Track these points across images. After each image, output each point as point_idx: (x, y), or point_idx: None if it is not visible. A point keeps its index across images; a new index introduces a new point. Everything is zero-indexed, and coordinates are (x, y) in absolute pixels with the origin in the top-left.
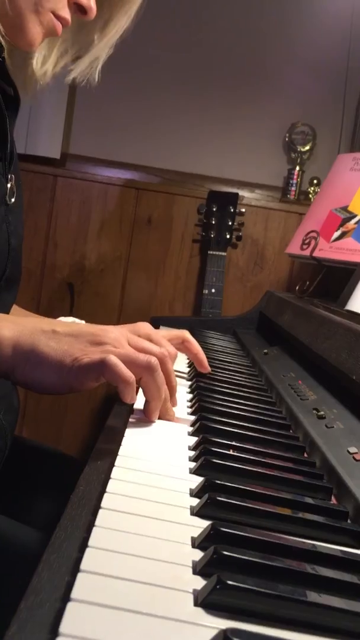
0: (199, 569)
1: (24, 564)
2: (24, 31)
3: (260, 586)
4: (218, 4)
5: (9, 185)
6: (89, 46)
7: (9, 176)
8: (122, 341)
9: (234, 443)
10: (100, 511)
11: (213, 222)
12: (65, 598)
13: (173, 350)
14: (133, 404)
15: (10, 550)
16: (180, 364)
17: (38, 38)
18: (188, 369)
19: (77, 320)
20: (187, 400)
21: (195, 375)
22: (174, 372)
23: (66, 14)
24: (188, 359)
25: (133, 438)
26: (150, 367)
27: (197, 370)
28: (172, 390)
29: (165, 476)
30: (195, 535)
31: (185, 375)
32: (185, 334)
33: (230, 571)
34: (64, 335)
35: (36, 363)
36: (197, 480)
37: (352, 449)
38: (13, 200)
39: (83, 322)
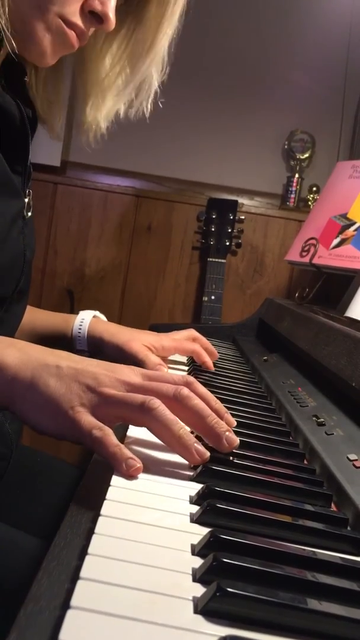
0: (199, 576)
1: (23, 571)
2: (32, 38)
3: (260, 593)
4: (218, 15)
5: (26, 200)
6: (140, 72)
7: (27, 191)
8: (126, 381)
9: (233, 450)
10: (100, 518)
11: (213, 229)
12: (65, 605)
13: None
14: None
15: (10, 557)
16: (182, 372)
17: (48, 47)
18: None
19: (98, 314)
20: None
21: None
22: (206, 391)
23: (77, 20)
24: (187, 362)
25: (133, 446)
26: (143, 408)
27: (196, 375)
28: (217, 410)
29: (164, 483)
30: (195, 542)
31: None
32: (193, 332)
33: (230, 578)
34: (66, 373)
35: (33, 402)
36: (197, 487)
37: (352, 456)
38: (29, 214)
39: (104, 317)
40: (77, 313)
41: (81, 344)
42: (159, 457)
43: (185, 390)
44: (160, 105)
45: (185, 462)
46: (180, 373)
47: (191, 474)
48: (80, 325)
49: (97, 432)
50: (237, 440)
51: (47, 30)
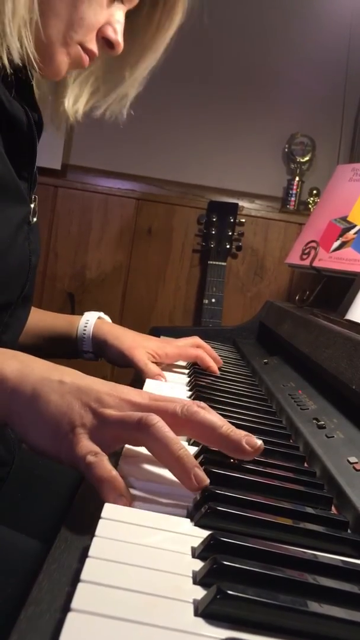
0: (199, 579)
1: (24, 574)
2: (52, 61)
3: (260, 596)
4: (218, 19)
5: (32, 205)
6: (119, 84)
7: (33, 197)
8: (131, 400)
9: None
10: (100, 521)
11: (213, 232)
12: (66, 608)
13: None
14: None
15: (10, 560)
16: (182, 375)
17: (64, 68)
18: (187, 379)
19: (102, 315)
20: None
21: (196, 385)
22: (210, 419)
23: (94, 47)
24: (187, 366)
25: (132, 449)
26: (140, 424)
27: (196, 378)
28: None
29: (165, 485)
30: (196, 545)
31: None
32: (197, 339)
33: (230, 581)
34: (69, 390)
35: (32, 418)
36: None
37: (352, 459)
38: (35, 220)
39: (109, 319)
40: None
41: (86, 345)
42: (157, 461)
43: (194, 407)
44: (132, 113)
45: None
46: (180, 376)
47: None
48: (85, 326)
49: (91, 458)
50: (259, 442)
51: (67, 56)
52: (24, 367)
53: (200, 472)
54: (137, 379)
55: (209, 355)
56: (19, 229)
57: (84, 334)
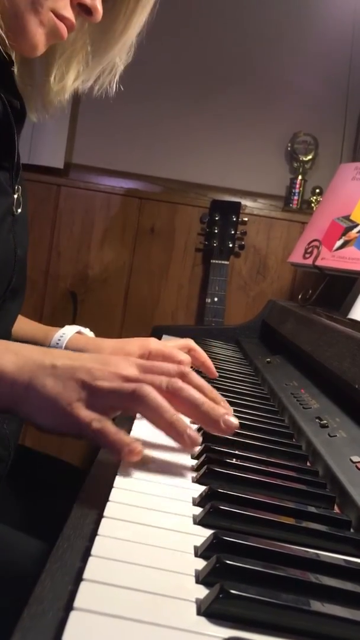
0: (202, 578)
1: (25, 573)
2: (25, 33)
3: (263, 595)
4: (220, 15)
5: (15, 196)
6: (107, 55)
7: (16, 187)
8: (121, 374)
9: (236, 452)
10: (103, 520)
11: (216, 231)
12: (68, 607)
13: (186, 358)
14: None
15: (12, 559)
16: None
17: (41, 40)
18: None
19: (82, 329)
20: None
21: None
22: (202, 380)
23: (68, 13)
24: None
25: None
26: (134, 396)
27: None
28: (213, 398)
29: (167, 485)
30: (198, 544)
31: None
32: (190, 342)
33: (233, 580)
34: (62, 372)
35: (33, 403)
36: (200, 489)
37: (355, 458)
38: (19, 211)
39: (92, 333)
40: (81, 315)
41: None
42: (162, 459)
43: (178, 383)
44: (122, 88)
45: (188, 464)
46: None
47: (194, 475)
48: (59, 339)
49: (96, 424)
50: (236, 422)
51: (40, 25)
52: (18, 358)
53: (193, 433)
54: None
55: (202, 361)
56: (2, 220)
57: (57, 346)
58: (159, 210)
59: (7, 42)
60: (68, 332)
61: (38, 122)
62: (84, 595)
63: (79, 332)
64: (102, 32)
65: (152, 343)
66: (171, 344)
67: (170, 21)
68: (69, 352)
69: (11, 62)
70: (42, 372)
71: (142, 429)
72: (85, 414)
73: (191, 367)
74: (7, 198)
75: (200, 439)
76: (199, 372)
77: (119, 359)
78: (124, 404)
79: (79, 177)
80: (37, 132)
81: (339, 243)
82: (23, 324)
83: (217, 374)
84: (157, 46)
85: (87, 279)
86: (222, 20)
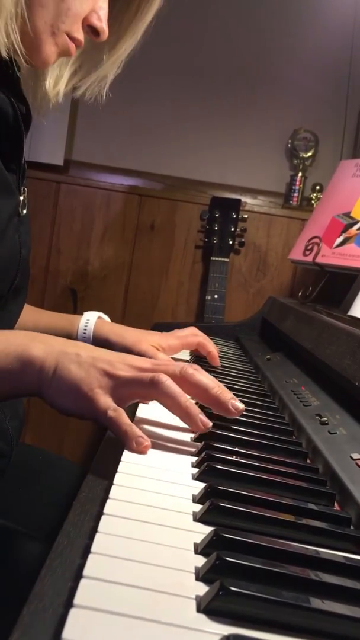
0: (202, 575)
1: (25, 570)
2: (40, 52)
3: (263, 592)
4: (220, 12)
5: (21, 197)
6: (98, 65)
7: (22, 189)
8: (137, 365)
9: (236, 449)
10: (103, 517)
11: (215, 228)
12: (68, 604)
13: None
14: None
15: (12, 555)
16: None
17: (52, 58)
18: None
19: (102, 315)
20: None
21: None
22: (210, 376)
23: (80, 35)
24: (190, 354)
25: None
26: (152, 382)
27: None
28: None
29: (167, 482)
30: (198, 541)
31: None
32: (195, 331)
33: (233, 577)
34: (85, 360)
35: (58, 387)
36: (200, 486)
37: (355, 455)
38: (25, 212)
39: (108, 319)
40: (81, 312)
41: None
42: (161, 456)
43: (190, 369)
44: (110, 95)
45: (188, 461)
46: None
47: (194, 472)
48: (86, 326)
49: (111, 413)
50: (242, 405)
51: (55, 46)
52: (47, 346)
53: (204, 417)
54: None
55: (207, 348)
56: (9, 221)
57: (85, 333)
58: (159, 207)
59: (21, 54)
60: (92, 317)
61: (36, 121)
62: (84, 592)
63: (99, 318)
64: (92, 44)
65: (170, 338)
66: (181, 334)
67: (168, 20)
68: (88, 345)
69: (18, 68)
70: (68, 358)
71: (143, 428)
72: (104, 400)
73: (195, 357)
74: (14, 199)
75: (210, 423)
76: (203, 362)
77: (134, 356)
78: (142, 391)
79: (79, 174)
80: (37, 129)
81: (339, 240)
82: (42, 315)
83: (220, 364)
84: (157, 43)
85: (87, 275)
86: (224, 16)
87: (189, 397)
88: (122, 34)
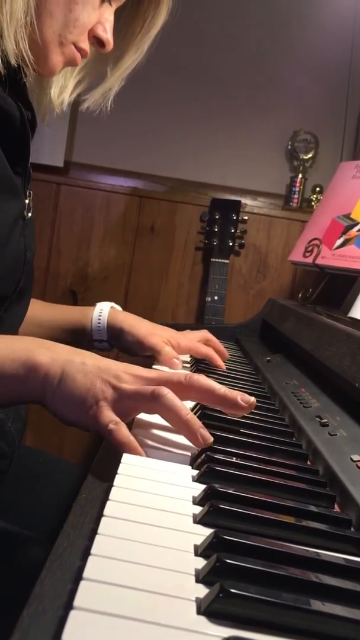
0: (202, 577)
1: (25, 571)
2: (47, 61)
3: (263, 594)
4: (219, 14)
5: (27, 200)
6: (103, 76)
7: (27, 192)
8: (142, 376)
9: (236, 451)
10: (103, 519)
11: (216, 229)
12: (68, 606)
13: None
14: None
15: (12, 556)
16: (185, 371)
17: (59, 67)
18: None
19: (115, 305)
20: (190, 408)
21: None
22: (209, 383)
23: (86, 46)
24: (190, 362)
25: (143, 420)
26: (153, 396)
27: (199, 371)
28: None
29: (167, 484)
30: (198, 543)
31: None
32: (207, 334)
33: (233, 579)
34: (90, 369)
35: (62, 396)
36: (200, 488)
37: (356, 457)
38: (30, 215)
39: (120, 308)
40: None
41: (100, 334)
42: (161, 458)
43: (194, 376)
44: (113, 106)
45: (188, 463)
46: (184, 371)
47: (194, 474)
48: (100, 316)
49: (112, 426)
50: (252, 398)
51: (62, 55)
52: (53, 353)
53: (205, 432)
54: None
55: (216, 349)
56: (15, 223)
57: (99, 323)
58: (159, 208)
59: (28, 62)
60: (105, 307)
61: (39, 126)
62: (84, 594)
63: (112, 307)
64: (97, 55)
65: (181, 338)
66: (192, 337)
67: (168, 23)
68: (95, 354)
69: (25, 75)
70: (74, 367)
71: (142, 436)
72: (106, 414)
73: (200, 363)
74: (20, 202)
75: (211, 439)
76: (205, 370)
77: (139, 367)
78: (145, 405)
79: (79, 176)
80: (37, 130)
81: (339, 241)
82: (55, 309)
83: (225, 367)
84: (157, 46)
85: (87, 277)
86: (223, 19)
87: (194, 406)
88: (126, 48)
